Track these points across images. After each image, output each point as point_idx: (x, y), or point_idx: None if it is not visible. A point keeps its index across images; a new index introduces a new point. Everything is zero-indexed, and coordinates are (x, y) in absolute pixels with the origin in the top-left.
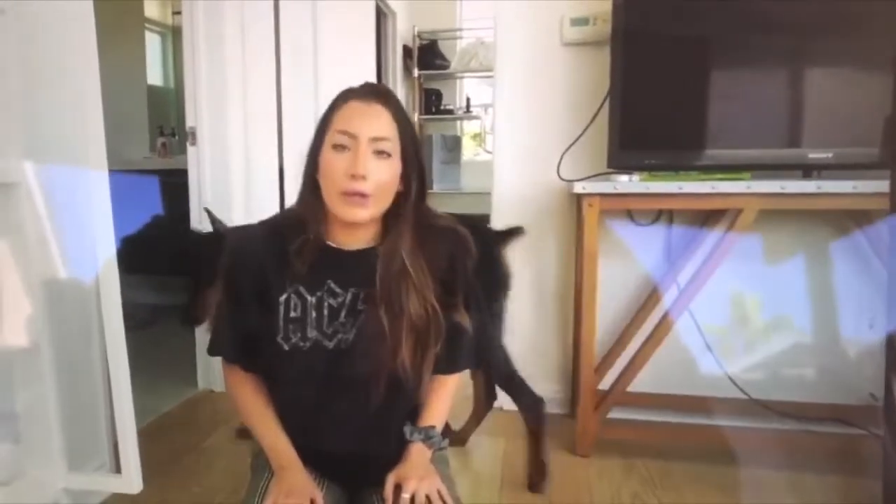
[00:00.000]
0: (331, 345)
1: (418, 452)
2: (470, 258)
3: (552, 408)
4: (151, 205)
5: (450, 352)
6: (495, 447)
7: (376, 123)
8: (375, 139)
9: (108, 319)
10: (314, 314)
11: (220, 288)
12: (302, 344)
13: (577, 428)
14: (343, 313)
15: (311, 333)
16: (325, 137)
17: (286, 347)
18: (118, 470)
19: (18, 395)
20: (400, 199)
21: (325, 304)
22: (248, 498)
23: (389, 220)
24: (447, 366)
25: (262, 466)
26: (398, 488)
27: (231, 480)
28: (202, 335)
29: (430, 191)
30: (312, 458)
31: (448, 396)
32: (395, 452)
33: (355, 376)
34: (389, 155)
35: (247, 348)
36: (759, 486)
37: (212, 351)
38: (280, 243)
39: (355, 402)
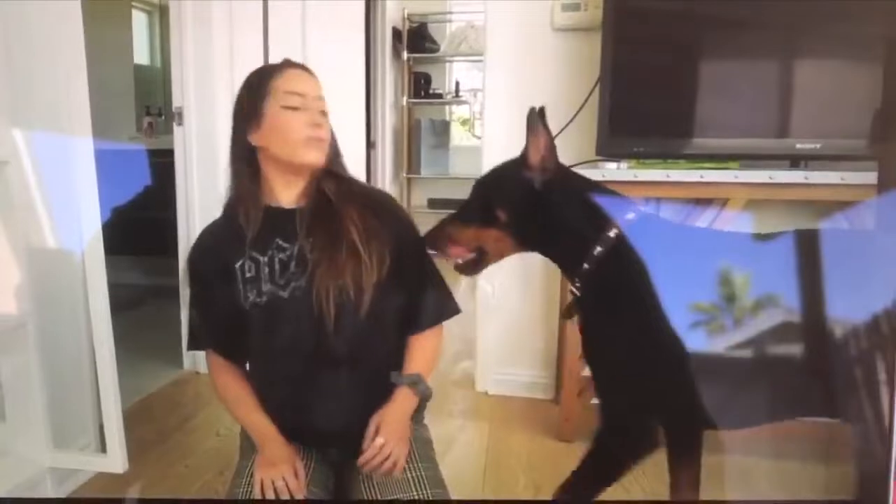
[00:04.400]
0: (286, 294)
1: (404, 397)
2: (407, 218)
3: (537, 393)
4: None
5: (416, 308)
6: (479, 431)
7: (316, 86)
8: (318, 98)
9: (94, 296)
10: (267, 270)
11: (188, 284)
12: (258, 300)
13: (560, 413)
14: (293, 264)
15: (266, 287)
16: (267, 102)
17: (247, 307)
18: (104, 449)
19: (3, 371)
20: None
21: (276, 259)
22: (236, 480)
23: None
24: (418, 322)
25: (249, 448)
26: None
27: (217, 461)
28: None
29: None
30: (297, 434)
31: (429, 351)
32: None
33: (322, 325)
34: (326, 114)
35: (220, 333)
36: (742, 472)
37: (190, 346)
38: (232, 221)
39: (328, 355)
